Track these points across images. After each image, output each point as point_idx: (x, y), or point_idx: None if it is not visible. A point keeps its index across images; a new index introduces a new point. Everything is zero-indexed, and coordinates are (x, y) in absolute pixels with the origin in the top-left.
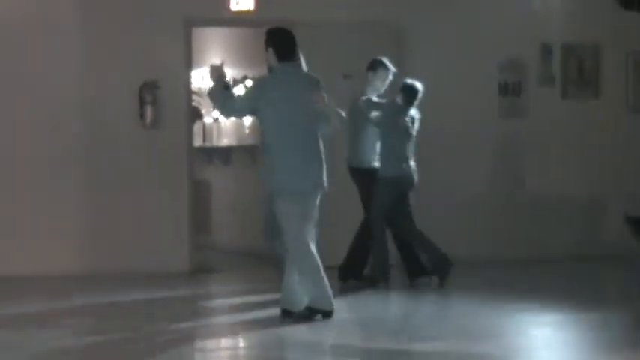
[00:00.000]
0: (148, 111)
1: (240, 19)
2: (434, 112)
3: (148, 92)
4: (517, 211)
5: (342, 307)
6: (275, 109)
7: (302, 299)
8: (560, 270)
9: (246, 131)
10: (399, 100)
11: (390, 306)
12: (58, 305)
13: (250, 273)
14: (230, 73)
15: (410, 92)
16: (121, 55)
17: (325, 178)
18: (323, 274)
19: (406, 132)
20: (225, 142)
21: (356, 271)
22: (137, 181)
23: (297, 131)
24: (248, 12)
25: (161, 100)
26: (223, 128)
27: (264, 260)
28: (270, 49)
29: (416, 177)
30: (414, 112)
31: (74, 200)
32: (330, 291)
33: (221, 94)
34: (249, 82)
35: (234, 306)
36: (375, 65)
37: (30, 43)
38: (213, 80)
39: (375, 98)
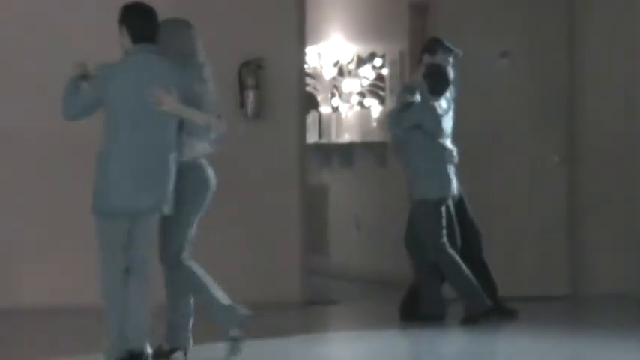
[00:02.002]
0: (250, 97)
1: None
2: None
3: (249, 74)
4: None
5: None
6: (117, 104)
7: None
8: None
9: (373, 124)
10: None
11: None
12: None
13: (377, 305)
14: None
15: (437, 78)
16: (215, 28)
17: (168, 199)
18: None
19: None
20: (347, 138)
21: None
22: (235, 186)
23: (141, 135)
24: None
25: (266, 84)
26: (344, 120)
27: (394, 288)
28: (124, 28)
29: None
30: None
31: None
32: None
33: (68, 88)
34: (377, 62)
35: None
36: (433, 47)
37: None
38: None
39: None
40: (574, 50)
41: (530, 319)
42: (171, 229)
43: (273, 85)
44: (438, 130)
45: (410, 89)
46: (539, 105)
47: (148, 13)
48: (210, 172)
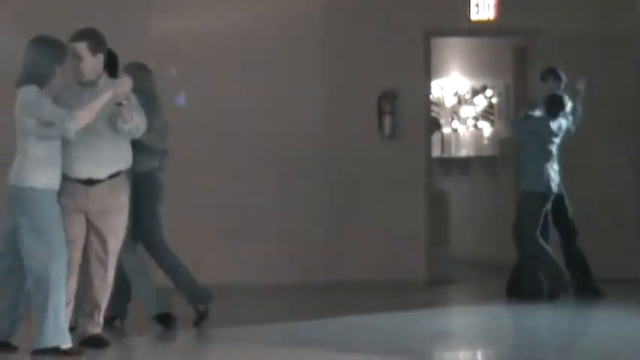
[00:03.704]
0: (387, 121)
1: (479, 29)
2: None
3: (387, 102)
4: None
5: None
6: None
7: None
8: None
9: (485, 142)
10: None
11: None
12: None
13: (489, 285)
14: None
15: (553, 103)
16: (360, 66)
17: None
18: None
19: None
20: (464, 152)
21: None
22: (375, 190)
23: None
24: (488, 21)
25: (400, 111)
26: (462, 139)
27: (502, 271)
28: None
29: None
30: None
31: (314, 208)
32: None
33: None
34: (488, 92)
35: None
36: (546, 75)
37: (272, 53)
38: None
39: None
40: None
41: (615, 298)
42: (143, 225)
43: (405, 111)
44: (547, 139)
45: (533, 105)
46: (616, 123)
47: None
48: (161, 178)
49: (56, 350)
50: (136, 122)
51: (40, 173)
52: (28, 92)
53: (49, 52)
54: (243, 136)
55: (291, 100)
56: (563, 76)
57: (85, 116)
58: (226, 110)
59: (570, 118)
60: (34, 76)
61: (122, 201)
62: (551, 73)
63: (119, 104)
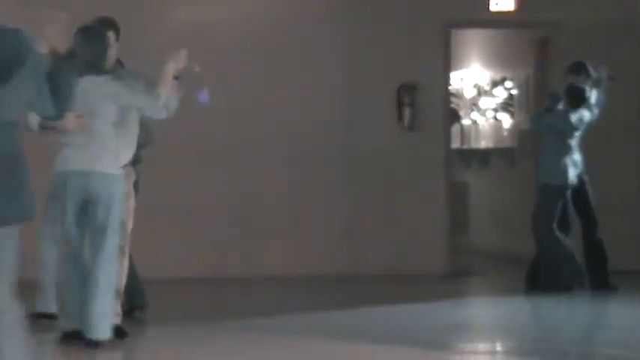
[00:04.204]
0: (407, 113)
1: (500, 20)
2: None
3: (406, 94)
4: None
5: None
6: None
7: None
8: None
9: (505, 133)
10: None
11: None
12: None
13: (508, 277)
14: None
15: (574, 95)
16: (380, 58)
17: None
18: None
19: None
20: (483, 144)
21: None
22: (395, 182)
23: None
24: (508, 12)
25: (419, 102)
26: (481, 130)
27: (521, 263)
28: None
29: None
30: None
31: (335, 200)
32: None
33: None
34: (508, 84)
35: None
36: (577, 68)
37: (293, 45)
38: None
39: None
40: None
41: (632, 290)
42: None
43: (424, 103)
44: (568, 133)
45: (554, 98)
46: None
47: None
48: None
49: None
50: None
51: (118, 160)
52: (112, 82)
53: (102, 41)
54: (264, 127)
55: (311, 92)
56: (592, 72)
57: (165, 94)
58: (246, 102)
59: (595, 110)
60: (100, 65)
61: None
62: (582, 68)
63: (176, 78)
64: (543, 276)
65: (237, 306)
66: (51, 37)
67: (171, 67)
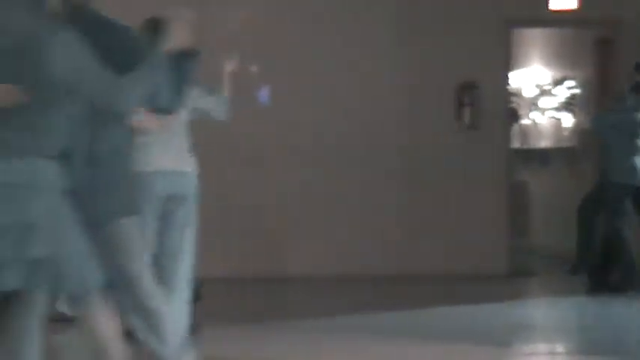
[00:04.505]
0: (466, 112)
1: (561, 19)
2: None
3: (466, 93)
4: None
5: None
6: None
7: None
8: None
9: (565, 133)
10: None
11: None
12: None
13: (569, 277)
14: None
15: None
16: (440, 56)
17: None
18: None
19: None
20: (544, 143)
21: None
22: (455, 181)
23: None
24: (570, 11)
25: (479, 102)
26: (542, 129)
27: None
28: None
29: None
30: None
31: (394, 200)
32: None
33: None
34: (569, 83)
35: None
36: None
37: (351, 44)
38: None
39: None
40: None
41: None
42: None
43: (484, 102)
44: (634, 132)
45: (618, 98)
46: None
47: None
48: None
49: None
50: None
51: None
52: None
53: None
54: (324, 127)
55: (370, 92)
56: None
57: (228, 96)
58: (305, 104)
59: None
60: None
61: None
62: None
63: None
64: (622, 276)
65: (298, 306)
66: (173, 33)
67: (229, 69)
